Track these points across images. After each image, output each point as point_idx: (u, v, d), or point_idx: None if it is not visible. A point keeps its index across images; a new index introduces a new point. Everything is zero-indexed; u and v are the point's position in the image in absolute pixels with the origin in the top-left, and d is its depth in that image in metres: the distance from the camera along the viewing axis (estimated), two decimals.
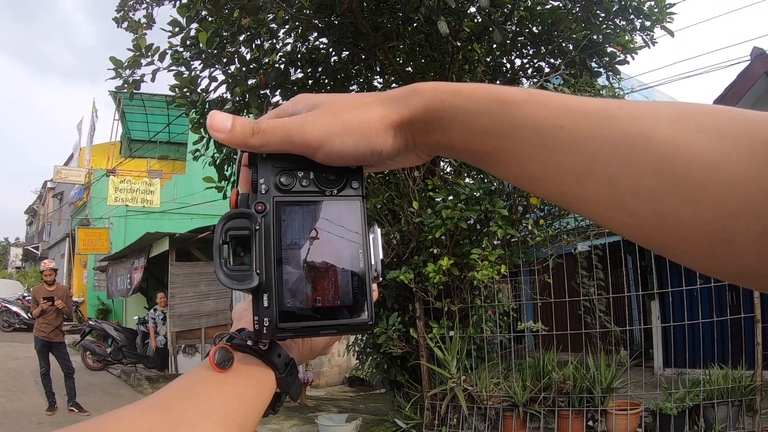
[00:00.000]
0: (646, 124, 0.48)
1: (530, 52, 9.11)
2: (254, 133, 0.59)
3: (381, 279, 0.64)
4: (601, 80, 8.86)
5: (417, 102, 0.58)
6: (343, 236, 0.61)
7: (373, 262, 0.62)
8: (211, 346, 0.65)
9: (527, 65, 9.30)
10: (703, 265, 0.49)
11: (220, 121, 0.60)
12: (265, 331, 0.58)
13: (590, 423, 7.13)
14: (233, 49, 7.99)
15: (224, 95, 8.68)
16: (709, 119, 0.47)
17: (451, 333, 7.54)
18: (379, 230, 0.65)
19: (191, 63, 8.35)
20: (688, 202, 0.45)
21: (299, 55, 8.72)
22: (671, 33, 8.08)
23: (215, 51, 7.85)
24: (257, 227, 0.59)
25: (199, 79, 8.36)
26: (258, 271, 0.58)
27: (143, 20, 8.95)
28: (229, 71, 8.13)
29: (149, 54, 7.84)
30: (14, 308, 24.58)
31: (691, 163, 0.45)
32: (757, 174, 0.43)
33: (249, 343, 0.66)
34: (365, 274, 0.61)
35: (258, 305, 0.59)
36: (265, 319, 0.58)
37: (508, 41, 8.21)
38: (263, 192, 0.60)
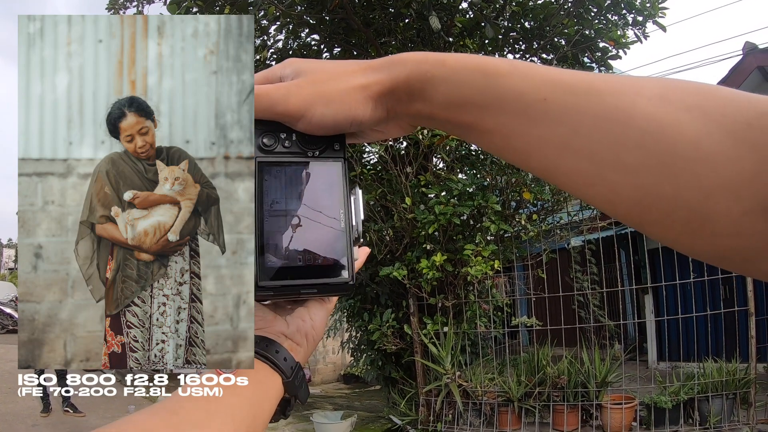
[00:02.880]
0: (629, 99, 0.48)
1: (522, 47, 9.11)
2: None
3: (361, 240, 0.65)
4: None
5: (399, 71, 0.58)
6: (324, 197, 0.62)
7: (354, 223, 0.63)
8: None
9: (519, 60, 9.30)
10: (684, 244, 0.49)
11: None
12: None
13: (585, 417, 7.15)
14: None
15: None
16: (694, 97, 0.47)
17: (446, 329, 7.55)
18: (360, 192, 0.66)
19: None
20: (668, 177, 0.45)
21: (291, 52, 8.69)
22: (663, 28, 8.10)
23: None
24: None
25: None
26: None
27: None
28: None
29: None
30: (7, 310, 24.46)
31: (672, 140, 0.45)
32: (736, 154, 0.43)
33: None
34: (346, 235, 0.62)
35: None
36: None
37: (500, 36, 8.22)
38: None
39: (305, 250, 0.61)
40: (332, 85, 0.59)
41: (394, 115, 0.61)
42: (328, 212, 0.62)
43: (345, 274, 0.61)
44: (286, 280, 0.60)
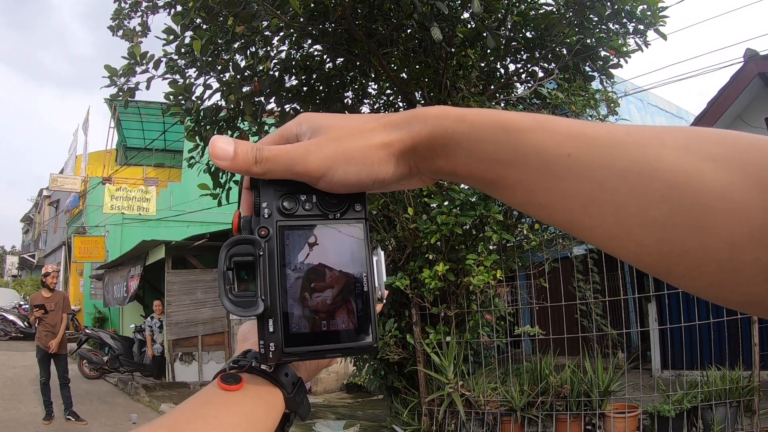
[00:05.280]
0: (653, 151, 0.48)
1: (524, 57, 9.12)
2: (257, 162, 0.59)
3: (384, 301, 0.64)
4: (595, 84, 8.88)
5: (420, 128, 0.57)
6: (346, 259, 0.62)
7: (377, 285, 0.63)
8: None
9: (521, 70, 9.31)
10: (711, 294, 0.48)
11: (221, 148, 0.59)
12: (270, 356, 0.59)
13: (588, 427, 7.13)
14: (228, 56, 7.98)
15: (219, 103, 8.66)
16: (718, 146, 0.46)
17: (448, 338, 7.53)
18: (382, 253, 0.65)
19: (186, 71, 8.32)
20: (695, 231, 0.45)
21: (293, 62, 8.71)
22: (664, 36, 8.09)
23: (210, 59, 7.83)
24: (261, 253, 0.59)
25: (194, 87, 8.32)
26: (263, 297, 0.58)
27: (138, 28, 8.97)
28: (224, 79, 8.11)
29: (144, 62, 7.82)
30: (10, 317, 24.52)
31: (699, 192, 0.45)
32: (762, 202, 0.43)
33: (254, 364, 0.67)
34: (369, 297, 0.62)
35: (263, 330, 0.59)
36: (271, 344, 0.58)
37: (501, 46, 8.22)
38: (266, 216, 0.60)
39: (329, 314, 0.60)
40: (353, 142, 0.58)
41: (417, 171, 0.60)
42: (351, 275, 0.61)
43: (369, 337, 0.61)
44: (312, 345, 0.60)
